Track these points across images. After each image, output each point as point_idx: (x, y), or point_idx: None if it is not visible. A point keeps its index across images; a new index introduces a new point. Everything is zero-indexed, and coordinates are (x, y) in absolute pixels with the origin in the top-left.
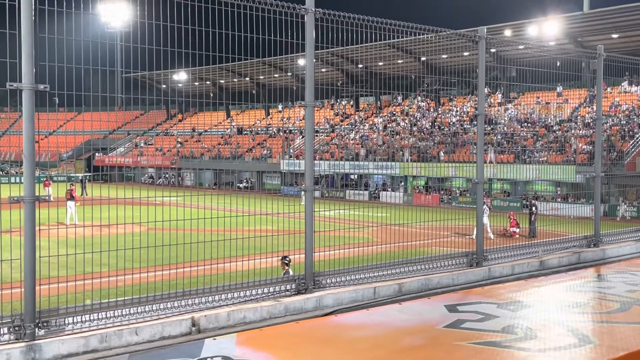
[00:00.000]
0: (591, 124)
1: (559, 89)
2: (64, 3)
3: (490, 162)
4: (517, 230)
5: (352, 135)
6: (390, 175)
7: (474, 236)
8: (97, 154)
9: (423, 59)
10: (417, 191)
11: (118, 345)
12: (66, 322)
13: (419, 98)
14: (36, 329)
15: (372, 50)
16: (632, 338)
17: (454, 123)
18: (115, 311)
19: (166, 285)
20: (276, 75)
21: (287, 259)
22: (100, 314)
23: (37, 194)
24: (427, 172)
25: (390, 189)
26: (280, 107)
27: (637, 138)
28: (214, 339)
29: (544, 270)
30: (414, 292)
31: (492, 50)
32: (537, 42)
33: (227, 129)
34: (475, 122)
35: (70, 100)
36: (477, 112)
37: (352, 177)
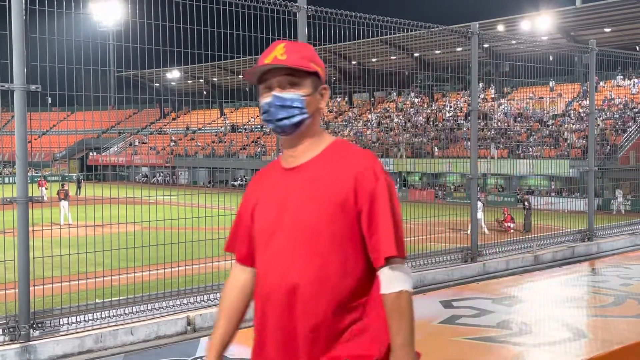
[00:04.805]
0: (585, 118)
1: (552, 84)
2: (55, 3)
3: (492, 157)
4: (512, 225)
5: (346, 133)
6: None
7: (468, 231)
8: (90, 154)
9: (416, 55)
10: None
11: (113, 345)
12: (61, 322)
13: (413, 94)
14: (31, 330)
15: (365, 47)
16: (626, 332)
17: (447, 119)
18: (111, 311)
19: (161, 284)
20: None
21: None
22: (95, 314)
23: (30, 194)
24: (422, 168)
25: None
26: None
27: (630, 132)
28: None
29: (538, 264)
30: None
31: (485, 45)
32: (529, 37)
33: (221, 126)
34: (469, 118)
35: (63, 100)
36: (471, 108)
37: None
